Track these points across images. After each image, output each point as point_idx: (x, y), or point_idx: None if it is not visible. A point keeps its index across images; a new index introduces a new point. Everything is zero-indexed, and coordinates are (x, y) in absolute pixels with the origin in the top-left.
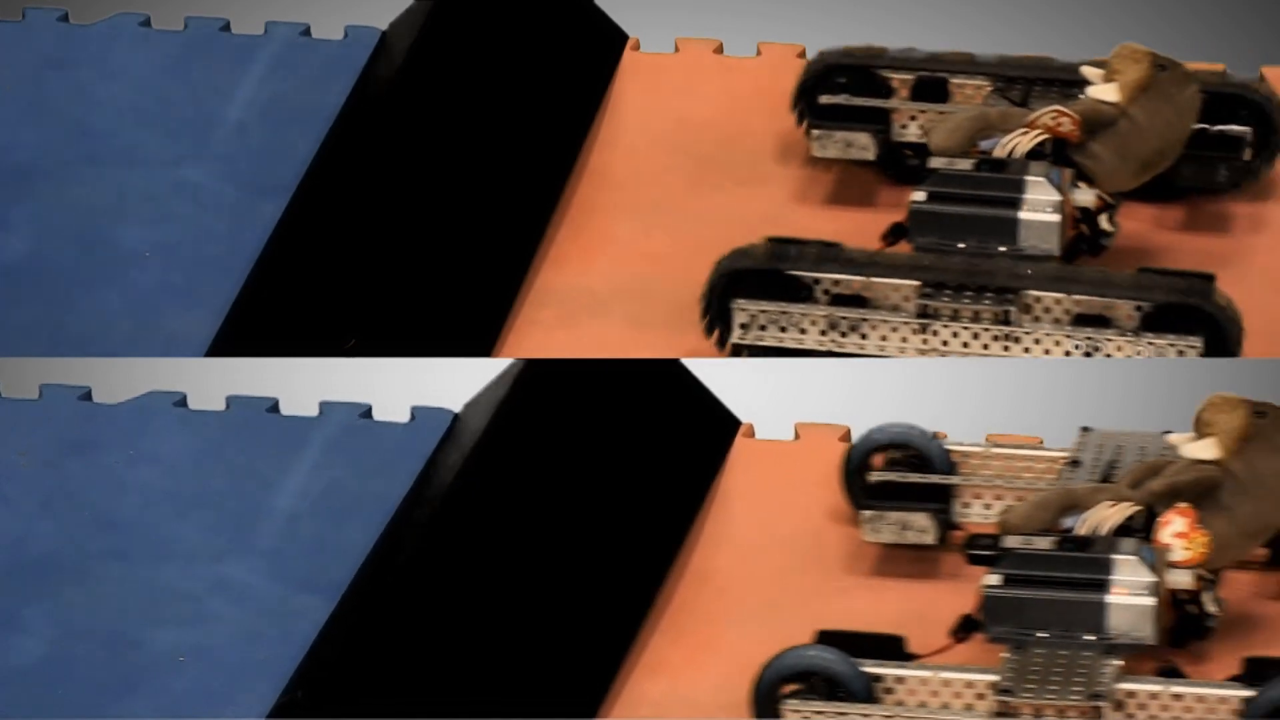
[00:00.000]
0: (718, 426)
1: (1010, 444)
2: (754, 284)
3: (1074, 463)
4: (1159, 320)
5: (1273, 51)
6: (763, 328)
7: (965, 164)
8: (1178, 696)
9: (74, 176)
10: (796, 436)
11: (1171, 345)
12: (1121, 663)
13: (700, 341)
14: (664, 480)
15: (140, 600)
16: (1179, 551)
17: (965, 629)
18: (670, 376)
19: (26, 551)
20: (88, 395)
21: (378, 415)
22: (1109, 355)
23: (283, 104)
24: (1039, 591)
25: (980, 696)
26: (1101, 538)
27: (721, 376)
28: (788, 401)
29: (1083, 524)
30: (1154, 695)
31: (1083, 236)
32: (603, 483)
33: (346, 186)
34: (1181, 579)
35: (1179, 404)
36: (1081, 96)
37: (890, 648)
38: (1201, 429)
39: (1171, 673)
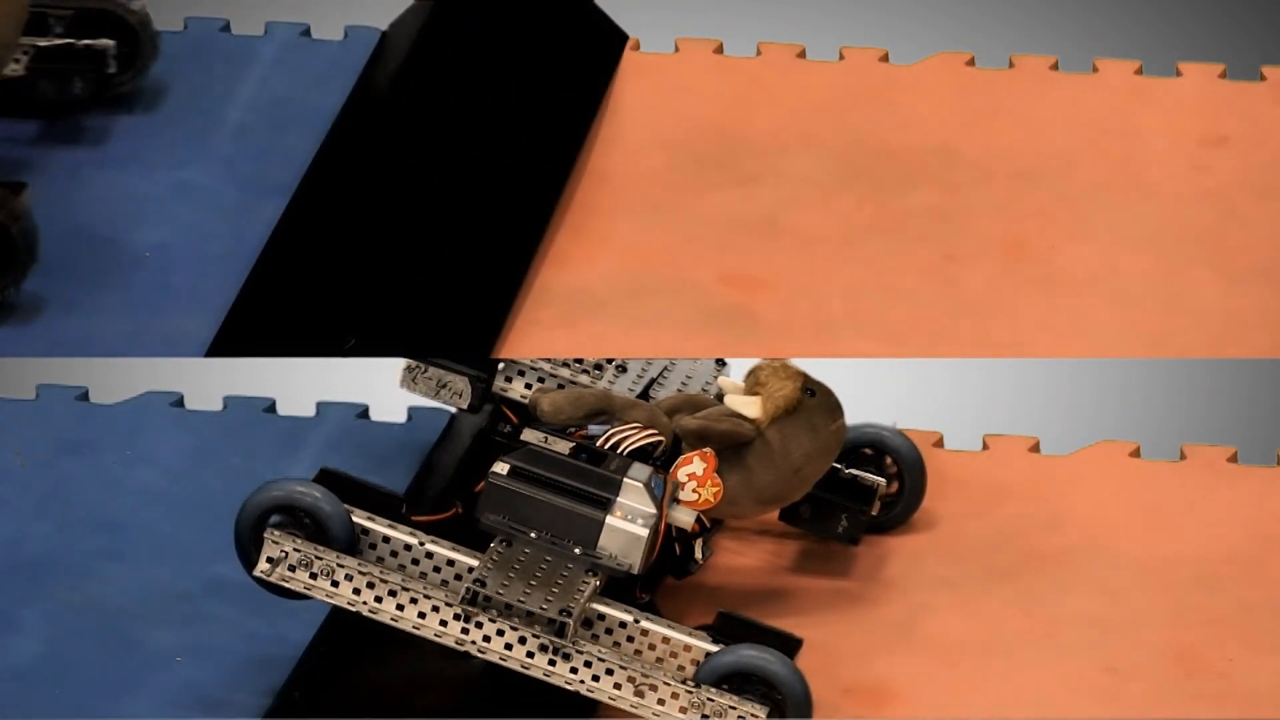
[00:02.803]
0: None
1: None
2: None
3: (622, 368)
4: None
5: (1273, 51)
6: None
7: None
8: (645, 631)
9: (74, 177)
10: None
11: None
12: (599, 583)
13: (700, 341)
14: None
15: (136, 600)
16: (688, 493)
17: (464, 506)
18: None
19: (23, 551)
20: (84, 395)
21: (376, 415)
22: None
23: (283, 104)
24: (540, 492)
25: (459, 578)
26: (618, 456)
27: None
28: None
29: (606, 438)
30: (622, 624)
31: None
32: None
33: (346, 186)
34: (682, 518)
35: (1180, 407)
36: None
37: (388, 505)
38: (752, 386)
39: (648, 607)
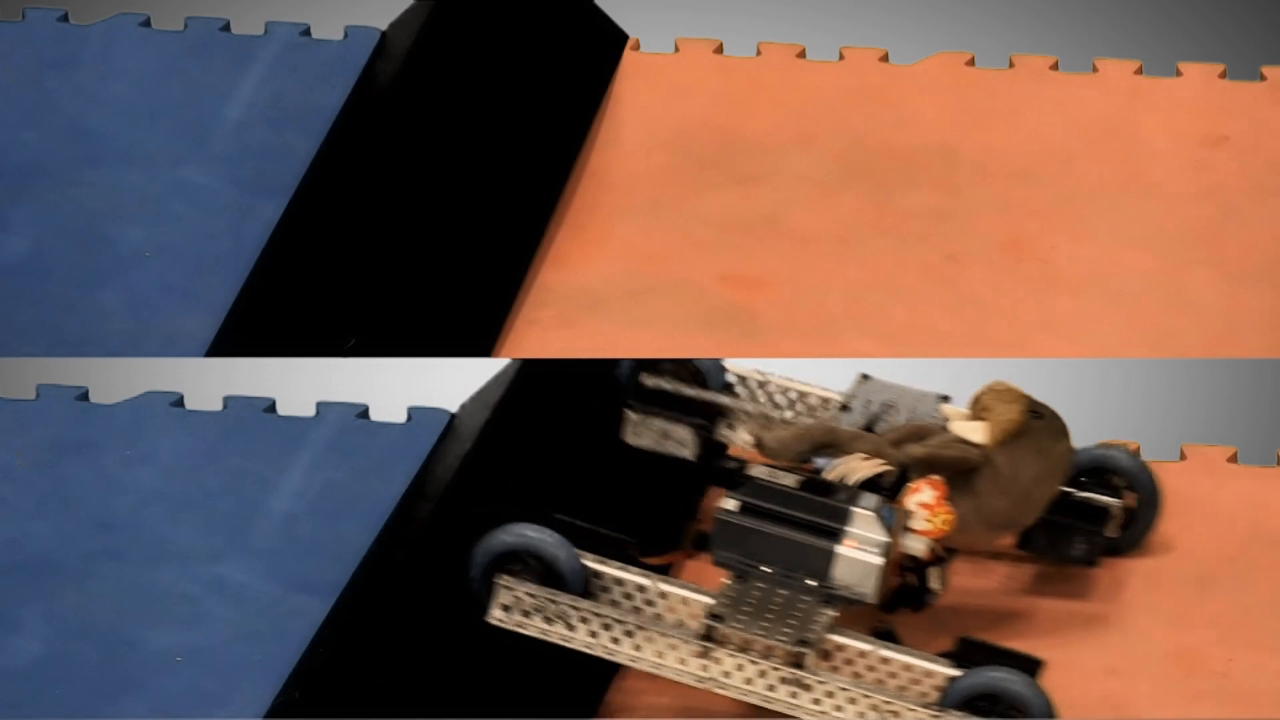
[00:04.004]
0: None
1: (787, 377)
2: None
3: (845, 407)
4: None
5: (1273, 51)
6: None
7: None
8: (885, 660)
9: (74, 176)
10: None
11: None
12: (837, 614)
13: (700, 341)
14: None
15: (137, 601)
16: (920, 521)
17: (698, 546)
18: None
19: (23, 551)
20: (85, 395)
21: (376, 416)
22: None
23: (283, 104)
24: (770, 526)
25: (695, 616)
26: (846, 487)
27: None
28: None
29: (833, 469)
30: (862, 654)
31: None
32: (599, 482)
33: (346, 186)
34: (915, 546)
35: (1180, 407)
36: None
37: (617, 549)
38: (977, 411)
39: (886, 635)
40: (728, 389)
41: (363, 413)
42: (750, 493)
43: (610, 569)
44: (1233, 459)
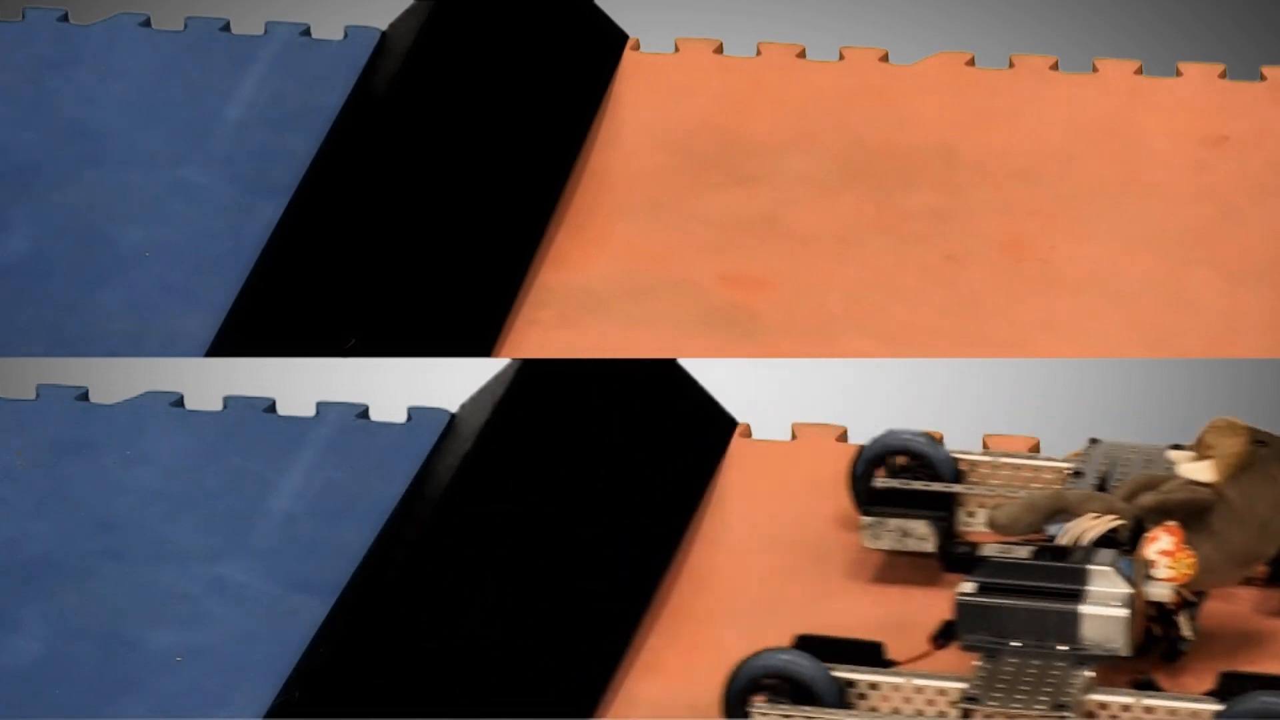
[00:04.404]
0: (714, 426)
1: (1016, 454)
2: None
3: (1077, 473)
4: None
5: (1273, 51)
6: None
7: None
8: (1149, 709)
9: (74, 176)
10: (794, 437)
11: None
12: (1093, 674)
13: (700, 341)
14: (660, 480)
15: (137, 601)
16: (1163, 569)
17: (944, 636)
18: (667, 376)
19: (22, 551)
20: (84, 395)
21: (376, 416)
22: None
23: (283, 104)
24: (1012, 600)
25: (954, 704)
26: (1081, 548)
27: (719, 377)
28: (785, 402)
29: (1065, 533)
30: (1126, 707)
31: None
32: (599, 483)
33: (346, 187)
34: (1161, 594)
35: (1180, 407)
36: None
37: (868, 653)
38: (1202, 450)
39: (1146, 685)
40: (959, 476)
41: (363, 413)
42: (987, 572)
43: (862, 675)
44: None
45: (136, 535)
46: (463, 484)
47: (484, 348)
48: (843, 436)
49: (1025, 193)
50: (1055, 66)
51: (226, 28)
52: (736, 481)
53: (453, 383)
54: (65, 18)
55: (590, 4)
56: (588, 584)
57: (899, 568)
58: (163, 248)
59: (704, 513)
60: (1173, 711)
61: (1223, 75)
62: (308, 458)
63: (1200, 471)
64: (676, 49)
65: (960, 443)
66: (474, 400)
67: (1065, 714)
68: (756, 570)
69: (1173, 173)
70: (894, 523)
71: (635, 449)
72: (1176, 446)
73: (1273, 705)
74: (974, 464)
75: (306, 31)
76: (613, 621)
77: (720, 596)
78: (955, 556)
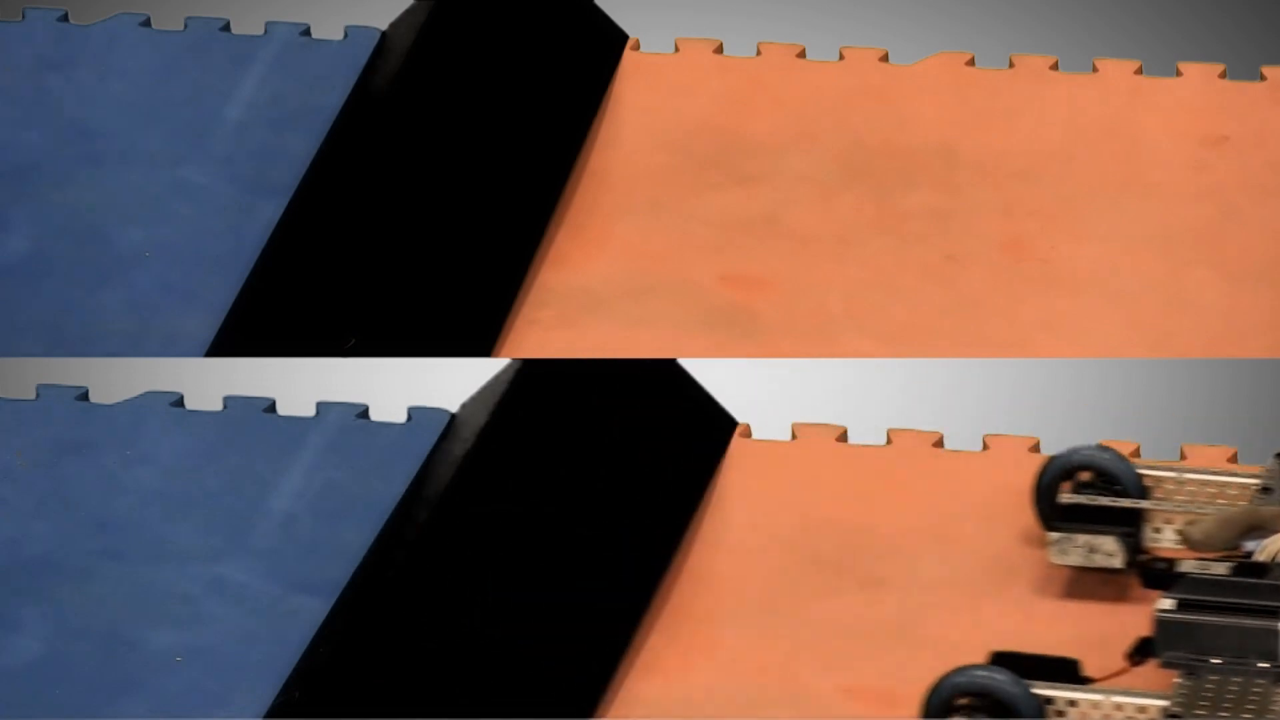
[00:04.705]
0: (714, 426)
1: (1202, 469)
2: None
3: (1266, 489)
4: None
5: (1273, 51)
6: None
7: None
8: None
9: (74, 176)
10: (794, 437)
11: None
12: None
13: (700, 341)
14: (660, 480)
15: (136, 601)
16: None
17: (1141, 652)
18: (667, 376)
19: (23, 551)
20: (85, 395)
21: (376, 416)
22: None
23: (283, 104)
24: (1212, 617)
25: None
26: (1278, 564)
27: (719, 377)
28: (785, 402)
29: (1263, 549)
30: None
31: None
32: (599, 483)
33: (346, 186)
34: None
35: (1180, 407)
36: None
37: (1066, 670)
38: None
39: None
40: (1144, 492)
41: (363, 413)
42: (1185, 589)
43: (1061, 692)
44: (1233, 459)
45: (136, 535)
46: (463, 484)
47: (484, 348)
48: (842, 437)
49: (1025, 193)
50: (1055, 66)
51: (226, 28)
52: (736, 481)
53: (453, 383)
54: (65, 18)
55: (590, 4)
56: (588, 584)
57: (1087, 583)
58: (163, 248)
59: (704, 513)
60: None
61: (1223, 75)
62: (308, 458)
63: None
64: (676, 49)
65: (961, 443)
66: (474, 400)
67: None
68: (756, 570)
69: (1173, 173)
70: (1082, 539)
71: (635, 449)
72: None
73: None
74: (1159, 480)
75: (306, 31)
76: (613, 621)
77: (720, 596)
78: (1153, 573)
